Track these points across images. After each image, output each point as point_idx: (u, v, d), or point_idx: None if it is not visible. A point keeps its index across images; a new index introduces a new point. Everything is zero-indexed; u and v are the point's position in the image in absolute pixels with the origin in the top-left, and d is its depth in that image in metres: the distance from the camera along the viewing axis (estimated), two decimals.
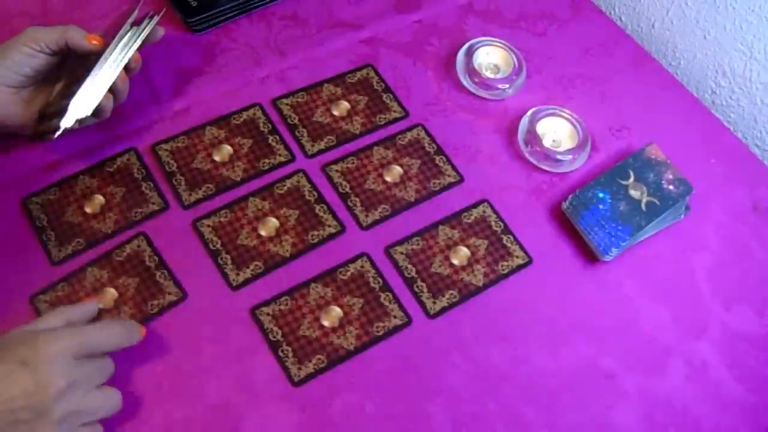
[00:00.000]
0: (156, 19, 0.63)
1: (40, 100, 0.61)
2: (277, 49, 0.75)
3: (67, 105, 0.58)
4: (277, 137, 0.68)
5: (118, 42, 0.61)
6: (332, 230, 0.64)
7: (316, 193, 0.65)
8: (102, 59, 0.60)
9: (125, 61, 0.60)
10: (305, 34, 0.77)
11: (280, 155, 0.67)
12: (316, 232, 0.63)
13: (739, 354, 0.61)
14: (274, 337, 0.58)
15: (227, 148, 0.67)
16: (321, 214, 0.64)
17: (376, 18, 0.79)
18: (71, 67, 0.62)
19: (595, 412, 0.57)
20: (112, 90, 0.61)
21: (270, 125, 0.69)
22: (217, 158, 0.66)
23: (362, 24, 0.78)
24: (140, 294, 0.59)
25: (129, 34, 0.61)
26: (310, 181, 0.66)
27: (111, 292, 0.59)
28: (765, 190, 0.71)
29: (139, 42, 0.61)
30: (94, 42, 0.60)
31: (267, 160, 0.67)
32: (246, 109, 0.70)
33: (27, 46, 0.58)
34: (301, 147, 0.68)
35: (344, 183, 0.66)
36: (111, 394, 0.51)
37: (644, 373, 0.59)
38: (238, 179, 0.66)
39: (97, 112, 0.60)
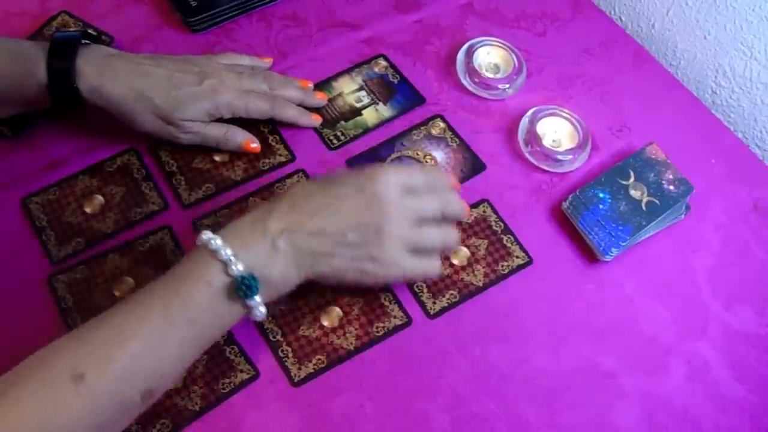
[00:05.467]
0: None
1: None
2: (277, 49, 0.75)
3: None
4: (277, 137, 0.68)
5: None
6: None
7: None
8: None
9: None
10: (305, 34, 0.77)
11: (280, 155, 0.67)
12: None
13: (739, 354, 0.61)
14: (274, 337, 0.58)
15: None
16: None
17: (376, 18, 0.79)
18: None
19: (595, 412, 0.57)
20: None
21: (270, 125, 0.69)
22: (217, 158, 0.66)
23: (362, 24, 0.78)
24: None
25: None
26: None
27: (129, 281, 0.59)
28: (765, 190, 0.71)
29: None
30: (254, 146, 0.66)
31: (267, 160, 0.67)
32: None
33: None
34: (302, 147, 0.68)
35: None
36: (447, 230, 0.58)
37: (644, 373, 0.59)
38: (238, 179, 0.66)
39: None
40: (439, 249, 0.59)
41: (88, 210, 0.63)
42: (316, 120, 0.69)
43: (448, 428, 0.55)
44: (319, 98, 0.70)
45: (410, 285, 0.61)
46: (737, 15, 0.75)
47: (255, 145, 0.66)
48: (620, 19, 0.89)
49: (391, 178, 0.55)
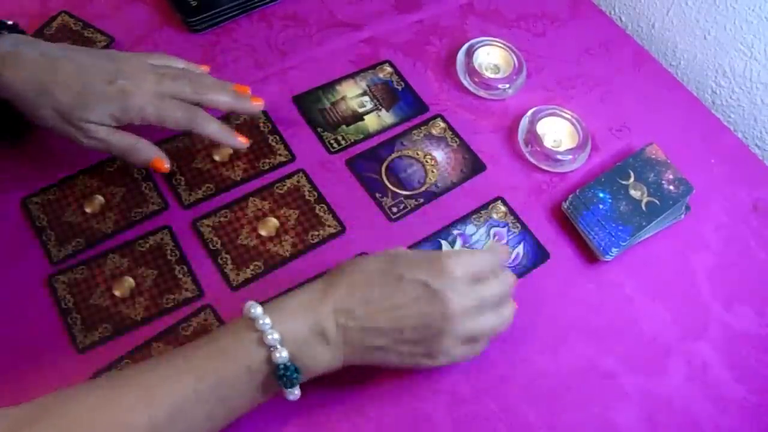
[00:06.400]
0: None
1: None
2: (277, 49, 0.75)
3: None
4: (277, 137, 0.68)
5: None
6: (332, 230, 0.64)
7: (316, 193, 0.65)
8: None
9: None
10: (305, 34, 0.77)
11: (280, 155, 0.67)
12: (316, 232, 0.63)
13: (739, 354, 0.61)
14: None
15: (228, 148, 0.67)
16: (321, 214, 0.64)
17: (376, 18, 0.79)
18: None
19: (595, 412, 0.57)
20: None
21: (270, 125, 0.69)
22: (217, 158, 0.66)
23: (362, 24, 0.78)
24: (157, 287, 0.59)
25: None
26: (310, 181, 0.66)
27: (129, 281, 0.59)
28: (765, 190, 0.71)
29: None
30: (166, 166, 0.60)
31: (267, 160, 0.67)
32: None
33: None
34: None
35: None
36: (504, 311, 0.54)
37: (644, 373, 0.59)
38: (238, 179, 0.66)
39: None
40: (489, 334, 0.54)
41: (88, 210, 0.63)
42: (242, 142, 0.62)
43: (448, 428, 0.55)
44: (255, 104, 0.62)
45: None
46: (737, 15, 0.75)
47: (167, 165, 0.60)
48: (620, 19, 0.89)
49: (458, 272, 0.50)
